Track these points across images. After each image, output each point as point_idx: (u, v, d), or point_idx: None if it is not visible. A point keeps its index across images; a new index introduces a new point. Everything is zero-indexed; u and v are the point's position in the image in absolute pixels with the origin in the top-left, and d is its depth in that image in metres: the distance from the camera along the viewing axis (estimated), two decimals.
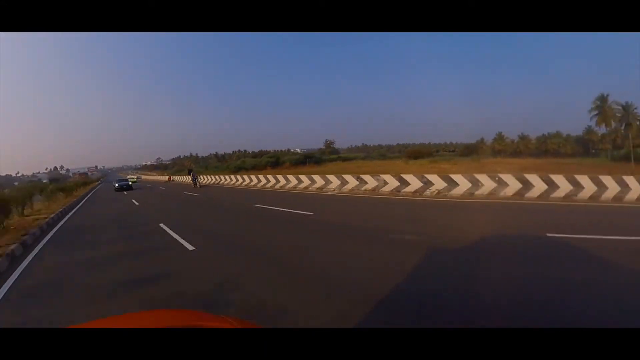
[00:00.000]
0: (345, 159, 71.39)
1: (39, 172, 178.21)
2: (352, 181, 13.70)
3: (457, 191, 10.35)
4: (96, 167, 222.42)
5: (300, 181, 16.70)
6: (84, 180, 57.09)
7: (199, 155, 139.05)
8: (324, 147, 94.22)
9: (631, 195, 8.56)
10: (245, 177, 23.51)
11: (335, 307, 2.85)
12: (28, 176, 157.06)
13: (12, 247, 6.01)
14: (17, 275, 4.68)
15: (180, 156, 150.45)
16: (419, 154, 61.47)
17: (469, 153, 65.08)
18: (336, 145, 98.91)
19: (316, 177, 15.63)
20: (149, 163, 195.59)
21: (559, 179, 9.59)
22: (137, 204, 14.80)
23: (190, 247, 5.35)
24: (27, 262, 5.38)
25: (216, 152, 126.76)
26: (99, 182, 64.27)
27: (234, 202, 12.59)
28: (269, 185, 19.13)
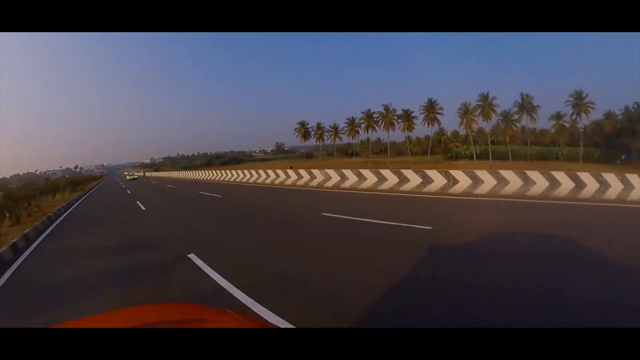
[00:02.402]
0: (263, 160, 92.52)
1: (54, 170, 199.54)
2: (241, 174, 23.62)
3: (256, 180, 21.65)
4: (102, 165, 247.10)
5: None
6: (101, 175, 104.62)
7: (184, 154, 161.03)
8: (274, 148, 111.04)
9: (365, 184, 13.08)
10: (223, 172, 28.76)
11: None
12: (48, 173, 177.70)
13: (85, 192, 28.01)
14: (90, 191, 26.24)
15: (169, 156, 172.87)
16: (310, 155, 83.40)
17: (347, 154, 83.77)
18: (291, 145, 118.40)
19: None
20: (146, 161, 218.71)
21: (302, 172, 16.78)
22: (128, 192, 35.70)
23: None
24: (92, 190, 27.09)
25: (198, 152, 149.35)
26: (106, 176, 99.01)
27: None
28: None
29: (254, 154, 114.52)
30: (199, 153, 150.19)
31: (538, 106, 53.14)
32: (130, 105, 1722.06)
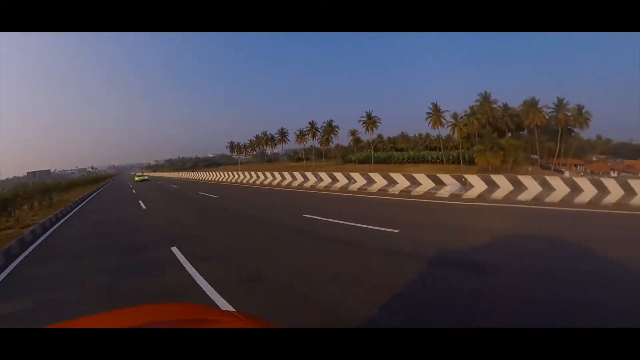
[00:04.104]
0: (242, 163, 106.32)
1: (69, 170, 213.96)
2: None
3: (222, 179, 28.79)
4: (113, 165, 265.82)
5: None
6: (114, 173, 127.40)
7: (183, 157, 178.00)
8: (258, 152, 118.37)
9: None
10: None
11: None
12: (67, 171, 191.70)
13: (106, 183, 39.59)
14: (108, 184, 37.47)
15: (170, 158, 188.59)
16: (270, 160, 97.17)
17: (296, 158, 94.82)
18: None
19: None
20: (152, 162, 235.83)
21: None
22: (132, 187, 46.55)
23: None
24: (110, 182, 38.99)
25: (197, 155, 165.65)
26: (117, 175, 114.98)
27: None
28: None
29: (234, 158, 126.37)
30: (196, 156, 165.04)
31: (337, 126, 71.25)
32: (138, 109, 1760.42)
